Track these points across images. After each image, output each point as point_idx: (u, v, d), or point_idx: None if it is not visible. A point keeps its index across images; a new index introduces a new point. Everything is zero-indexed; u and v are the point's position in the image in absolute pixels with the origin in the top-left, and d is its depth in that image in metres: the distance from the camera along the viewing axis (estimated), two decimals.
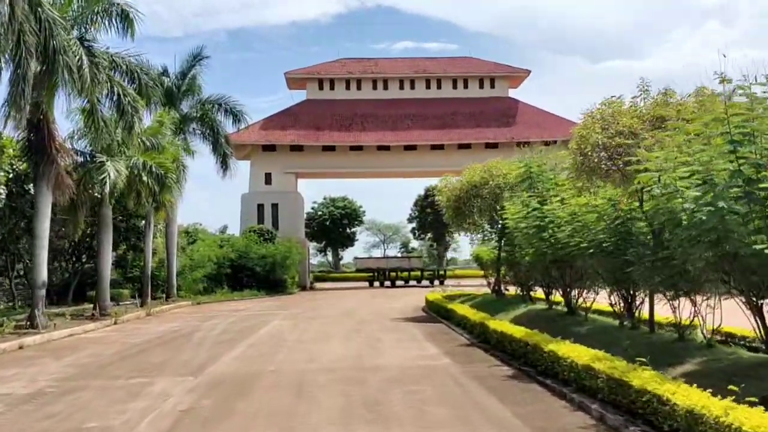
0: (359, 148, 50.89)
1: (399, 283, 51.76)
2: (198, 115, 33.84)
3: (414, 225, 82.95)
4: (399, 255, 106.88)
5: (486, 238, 21.87)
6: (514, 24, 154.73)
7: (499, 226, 20.73)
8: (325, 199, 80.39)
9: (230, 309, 28.86)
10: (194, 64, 33.93)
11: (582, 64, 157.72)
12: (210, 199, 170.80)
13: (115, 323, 22.30)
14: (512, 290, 23.10)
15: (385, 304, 29.00)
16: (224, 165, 34.45)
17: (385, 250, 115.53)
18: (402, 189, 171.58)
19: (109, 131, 21.41)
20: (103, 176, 21.96)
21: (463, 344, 14.51)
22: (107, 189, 21.92)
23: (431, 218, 78.37)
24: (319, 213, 78.68)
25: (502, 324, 13.41)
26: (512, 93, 54.62)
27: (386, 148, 51.01)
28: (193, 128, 34.27)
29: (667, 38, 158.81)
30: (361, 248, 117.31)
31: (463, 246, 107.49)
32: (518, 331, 12.00)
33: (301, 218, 52.82)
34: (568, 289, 15.41)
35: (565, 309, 15.83)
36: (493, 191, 20.97)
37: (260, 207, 50.02)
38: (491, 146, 51.16)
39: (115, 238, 33.59)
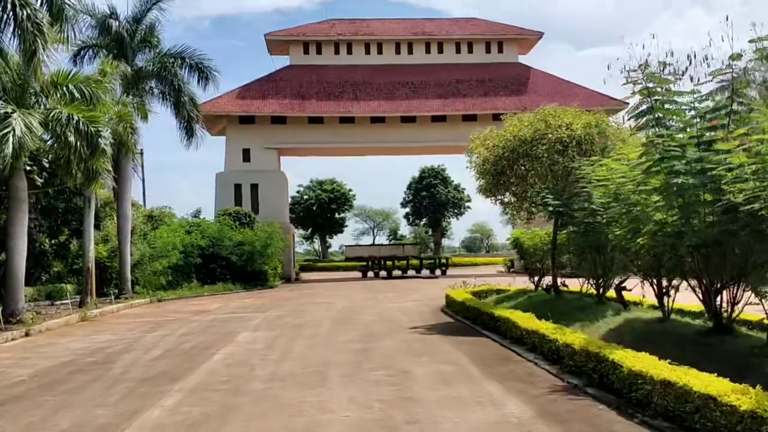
0: (350, 120, 44.65)
1: (395, 273, 45.78)
2: (155, 69, 27.42)
3: (408, 210, 76.79)
4: (392, 242, 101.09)
5: (547, 212, 15.69)
6: (498, 10, 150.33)
7: (564, 196, 14.65)
8: (311, 181, 74.20)
9: (194, 309, 22.74)
10: (150, 7, 27.49)
11: (568, 51, 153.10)
12: (195, 188, 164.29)
13: (27, 335, 16.13)
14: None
15: (390, 302, 22.99)
16: (189, 131, 28.17)
17: (374, 237, 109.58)
18: (390, 172, 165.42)
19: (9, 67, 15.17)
20: (4, 132, 15.72)
21: (557, 388, 8.44)
22: (9, 150, 15.64)
23: (427, 202, 72.51)
24: (305, 197, 72.38)
25: (651, 362, 7.37)
26: (522, 60, 48.57)
27: (381, 120, 44.82)
28: (151, 87, 27.94)
29: (651, 25, 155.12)
30: (350, 236, 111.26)
31: (457, 232, 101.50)
32: (720, 387, 6.00)
33: (285, 201, 46.57)
34: (720, 290, 9.38)
35: (709, 323, 9.89)
36: (552, 147, 14.91)
37: (238, 188, 43.73)
38: (499, 117, 45.16)
39: (53, 222, 27.57)
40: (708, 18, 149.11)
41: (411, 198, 74.28)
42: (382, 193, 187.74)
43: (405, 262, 46.67)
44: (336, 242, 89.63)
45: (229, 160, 44.36)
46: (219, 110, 42.95)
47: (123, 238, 26.79)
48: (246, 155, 44.28)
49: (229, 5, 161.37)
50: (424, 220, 75.52)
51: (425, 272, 45.97)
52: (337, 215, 74.53)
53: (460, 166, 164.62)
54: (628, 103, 44.04)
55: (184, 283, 31.29)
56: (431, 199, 71.20)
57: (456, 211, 74.72)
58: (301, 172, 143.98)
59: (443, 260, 47.62)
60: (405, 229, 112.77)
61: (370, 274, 46.05)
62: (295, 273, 46.49)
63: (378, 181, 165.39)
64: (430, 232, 78.57)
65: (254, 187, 43.88)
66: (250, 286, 34.01)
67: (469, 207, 74.69)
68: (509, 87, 45.49)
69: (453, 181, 74.61)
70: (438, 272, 45.89)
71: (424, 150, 47.99)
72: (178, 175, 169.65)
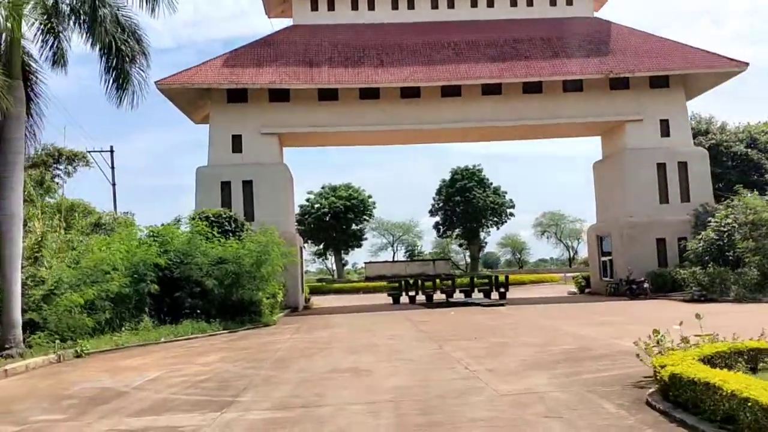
0: (374, 93, 33.52)
1: (437, 297, 34.39)
2: None
3: (438, 218, 65.22)
4: (412, 258, 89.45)
5: None
6: None
7: None
8: (323, 188, 62.98)
9: (113, 386, 11.50)
10: None
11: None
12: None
13: None
14: None
15: (481, 366, 11.51)
16: (119, 77, 16.96)
17: (394, 253, 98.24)
18: (411, 178, 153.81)
19: None
20: None
21: None
22: None
23: (461, 209, 61.10)
24: (316, 206, 61.18)
25: None
26: (597, 15, 37.39)
27: (414, 93, 33.65)
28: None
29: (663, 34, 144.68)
30: (366, 252, 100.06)
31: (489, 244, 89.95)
32: None
33: (290, 203, 35.39)
34: None
35: None
36: None
37: (226, 187, 32.64)
38: (573, 86, 33.90)
39: None
40: None
41: (441, 205, 62.93)
42: (399, 204, 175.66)
43: (450, 282, 35.26)
44: (352, 258, 78.50)
45: (214, 151, 33.27)
46: (199, 81, 31.94)
47: (8, 254, 15.62)
48: (237, 143, 33.22)
49: (238, 26, 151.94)
50: (457, 230, 64.10)
51: (477, 296, 34.55)
52: (354, 226, 63.16)
53: (505, 159, 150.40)
54: (747, 64, 32.56)
55: (128, 323, 20.01)
56: (466, 205, 59.90)
57: (496, 219, 63.32)
58: (305, 175, 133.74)
59: (501, 279, 35.95)
60: (427, 245, 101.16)
61: (404, 298, 34.63)
62: (304, 299, 35.19)
63: (393, 188, 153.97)
64: (466, 245, 66.94)
65: (247, 186, 32.77)
66: (236, 323, 22.72)
67: (512, 214, 63.28)
68: (585, 47, 34.19)
69: (492, 183, 63.29)
70: (494, 294, 34.43)
71: (472, 135, 36.63)
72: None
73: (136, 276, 20.80)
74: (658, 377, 8.31)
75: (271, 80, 32.30)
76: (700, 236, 28.37)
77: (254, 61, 33.08)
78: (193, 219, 25.26)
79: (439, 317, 24.39)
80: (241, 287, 23.46)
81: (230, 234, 25.49)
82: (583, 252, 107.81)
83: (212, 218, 25.65)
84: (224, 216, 26.36)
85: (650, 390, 8.57)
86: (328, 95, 33.26)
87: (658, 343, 9.60)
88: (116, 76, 17.08)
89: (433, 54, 33.68)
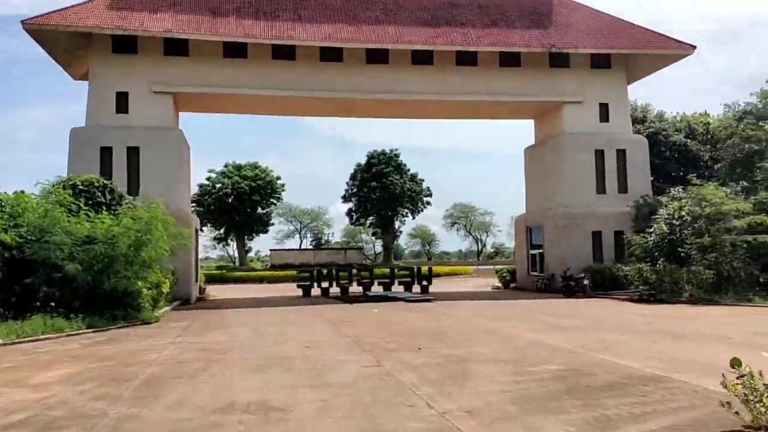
0: (289, 52, 29.06)
1: (353, 290, 30.45)
2: None
3: (351, 205, 61.15)
4: (321, 246, 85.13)
5: None
6: None
7: None
8: (226, 166, 57.45)
9: None
10: None
11: None
12: None
13: None
14: None
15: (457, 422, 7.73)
16: None
17: (301, 241, 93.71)
18: (318, 168, 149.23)
19: None
20: None
21: None
22: None
23: (377, 195, 57.33)
24: (218, 185, 55.66)
25: None
26: None
27: (337, 55, 29.45)
28: None
29: None
30: (272, 239, 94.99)
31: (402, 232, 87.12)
32: None
33: (185, 176, 30.31)
34: None
35: None
36: None
37: (106, 153, 27.29)
38: (511, 61, 30.74)
39: None
40: None
41: (356, 190, 58.88)
42: (309, 192, 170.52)
43: (368, 273, 31.42)
44: (256, 245, 73.18)
45: (93, 110, 27.79)
46: (76, 24, 26.38)
47: None
48: (122, 102, 27.89)
49: None
50: (371, 218, 60.32)
51: (397, 288, 30.88)
52: (260, 210, 58.05)
53: (416, 152, 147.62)
54: (694, 47, 30.33)
55: None
56: (383, 191, 56.14)
57: (412, 207, 59.94)
58: (206, 159, 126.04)
59: (424, 271, 32.32)
60: (337, 233, 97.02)
61: (315, 290, 30.44)
62: (198, 289, 30.34)
63: (304, 178, 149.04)
64: (379, 234, 63.24)
65: (133, 153, 27.53)
66: (106, 320, 17.78)
67: (428, 203, 60.10)
68: (525, 18, 31.06)
69: (409, 170, 59.86)
70: (417, 288, 30.88)
71: (398, 107, 32.59)
72: None
73: None
74: None
75: (167, 28, 27.15)
76: (651, 229, 25.78)
77: (148, 5, 27.79)
78: (56, 187, 19.93)
79: (361, 315, 20.35)
80: (115, 274, 18.57)
81: (104, 207, 20.43)
82: (493, 244, 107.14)
83: (81, 186, 20.43)
84: (97, 184, 21.13)
85: None
86: (234, 51, 28.46)
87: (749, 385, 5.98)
88: None
89: (358, 12, 29.56)
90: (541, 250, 32.56)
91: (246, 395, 8.50)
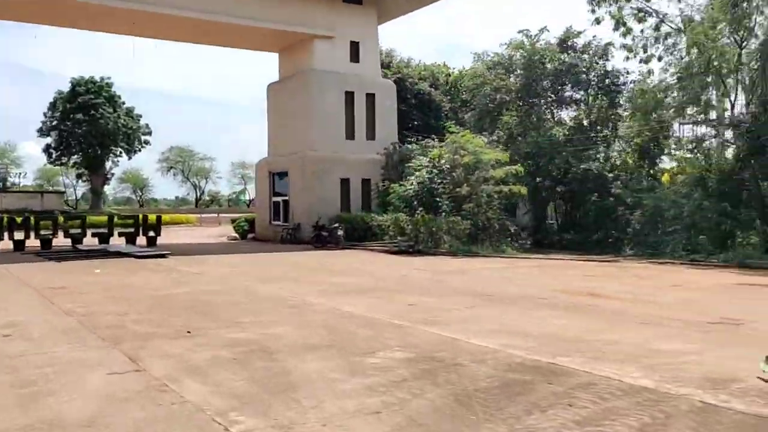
0: None
1: (57, 243, 24.46)
2: None
3: (51, 141, 51.27)
4: (23, 189, 71.72)
5: None
6: None
7: None
8: None
9: None
10: None
11: None
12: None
13: None
14: None
15: None
16: None
17: None
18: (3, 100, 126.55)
19: None
20: None
21: None
22: None
23: (84, 129, 48.77)
24: None
25: None
26: None
27: None
28: None
29: None
30: None
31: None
32: None
33: None
34: None
35: None
36: None
37: None
38: None
39: None
40: None
41: (56, 123, 49.41)
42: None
43: (80, 221, 25.54)
44: None
45: None
46: None
47: None
48: None
49: None
50: (75, 157, 51.37)
51: (116, 242, 25.58)
52: None
53: (142, 75, 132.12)
54: None
55: None
56: (91, 126, 47.82)
57: (127, 146, 52.38)
58: None
59: (152, 220, 27.22)
60: (30, 175, 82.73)
61: (4, 243, 23.74)
62: None
63: None
64: (86, 176, 54.24)
65: None
66: None
67: (147, 142, 53.03)
68: None
69: (124, 103, 52.00)
70: (142, 240, 25.96)
71: (119, 16, 26.49)
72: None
73: None
74: None
75: None
76: (414, 176, 24.36)
77: None
78: None
79: (80, 278, 15.33)
80: None
81: None
82: (209, 192, 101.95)
83: None
84: None
85: None
86: None
87: None
88: None
89: None
90: (285, 198, 29.77)
91: None
